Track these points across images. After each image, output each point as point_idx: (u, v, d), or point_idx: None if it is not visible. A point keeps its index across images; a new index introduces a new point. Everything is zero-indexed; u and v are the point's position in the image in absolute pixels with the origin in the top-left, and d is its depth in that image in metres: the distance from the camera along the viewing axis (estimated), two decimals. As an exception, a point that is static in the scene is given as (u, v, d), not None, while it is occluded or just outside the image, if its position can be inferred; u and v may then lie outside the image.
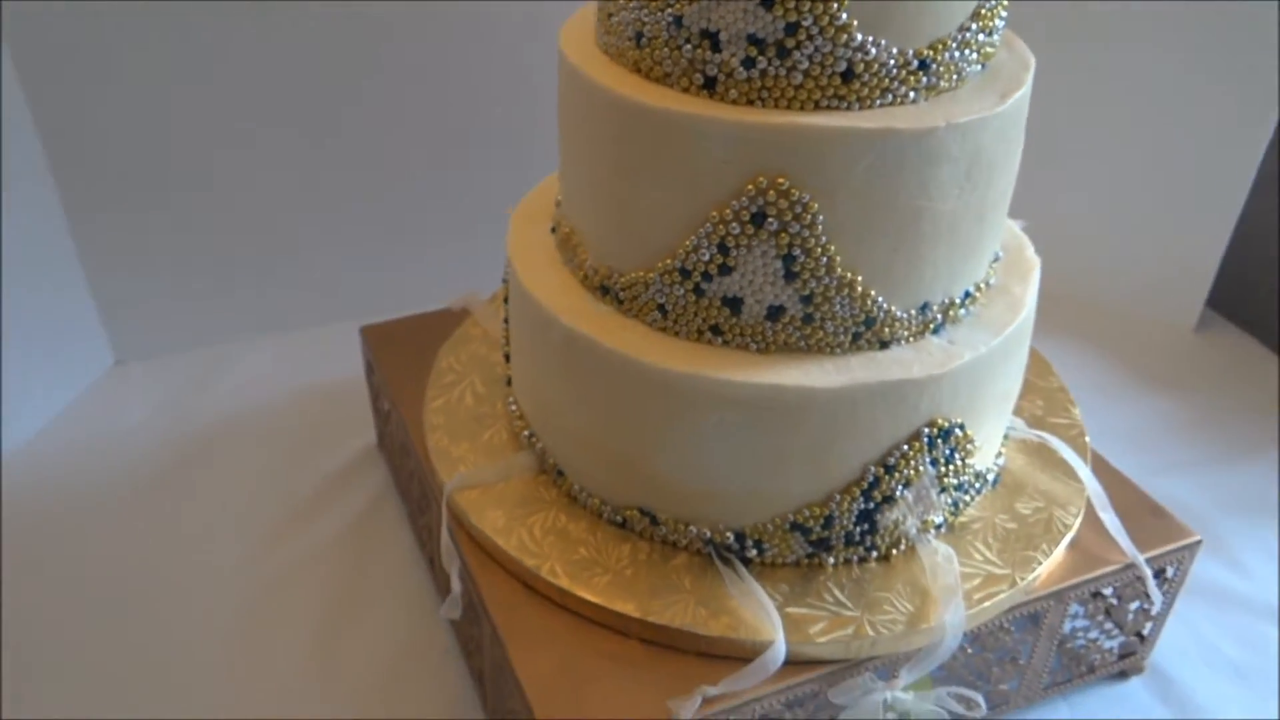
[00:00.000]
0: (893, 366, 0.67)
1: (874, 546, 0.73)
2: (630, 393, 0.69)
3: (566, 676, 0.67)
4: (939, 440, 0.69)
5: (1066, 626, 0.79)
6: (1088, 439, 0.86)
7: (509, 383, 0.86)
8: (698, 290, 0.67)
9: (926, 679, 0.72)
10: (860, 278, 0.65)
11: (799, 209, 0.62)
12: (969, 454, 0.72)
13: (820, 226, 0.63)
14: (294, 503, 1.01)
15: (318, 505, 1.00)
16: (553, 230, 0.79)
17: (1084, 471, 0.80)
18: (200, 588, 0.92)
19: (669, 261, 0.66)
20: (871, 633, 0.68)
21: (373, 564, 0.93)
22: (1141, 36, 1.19)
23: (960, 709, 0.72)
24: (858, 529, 0.71)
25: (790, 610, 0.70)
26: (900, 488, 0.70)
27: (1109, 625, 0.82)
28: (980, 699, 0.71)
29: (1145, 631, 0.83)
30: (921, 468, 0.70)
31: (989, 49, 0.68)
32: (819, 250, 0.64)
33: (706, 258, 0.65)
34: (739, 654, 0.68)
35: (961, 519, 0.77)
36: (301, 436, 1.10)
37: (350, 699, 0.83)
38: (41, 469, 1.05)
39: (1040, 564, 0.74)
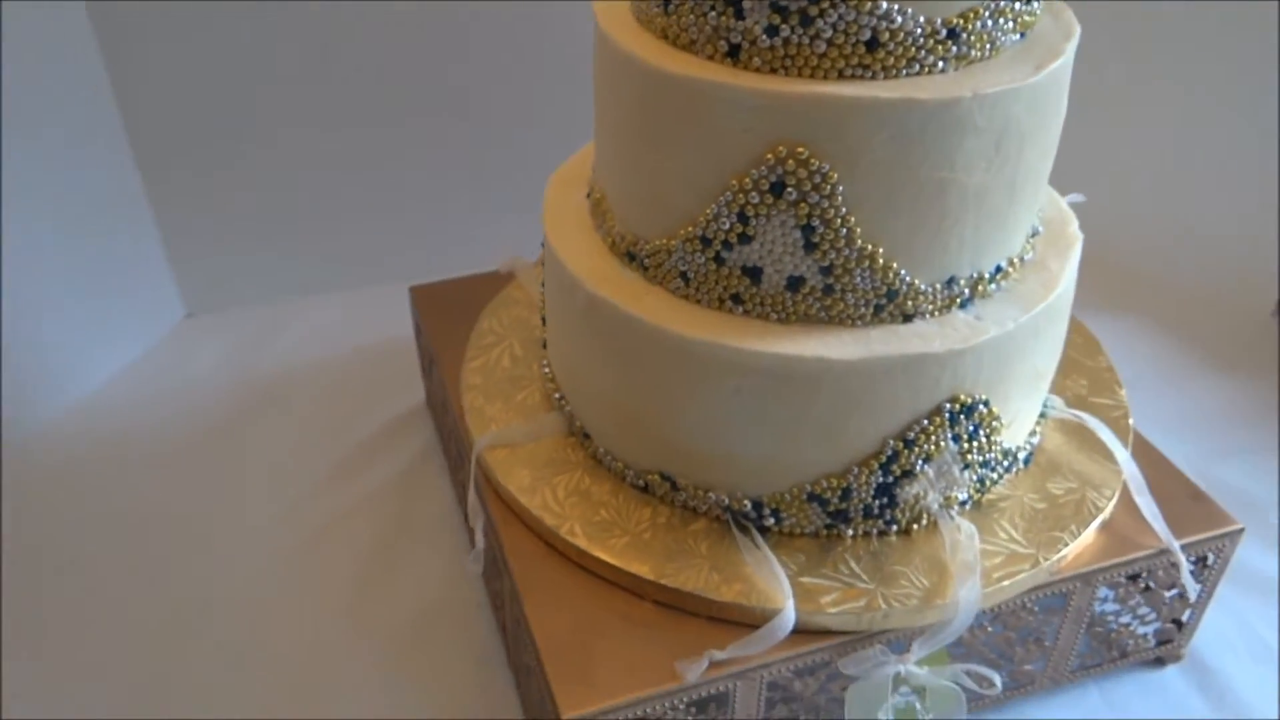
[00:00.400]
0: (913, 340, 0.66)
1: (894, 520, 0.72)
2: (651, 359, 0.70)
3: (578, 633, 0.69)
4: (961, 416, 0.68)
5: (1097, 609, 0.78)
6: (1131, 421, 0.84)
7: (545, 345, 0.87)
8: (718, 259, 0.67)
9: (943, 654, 0.72)
10: (881, 250, 0.64)
11: (818, 179, 0.62)
12: (994, 431, 0.71)
13: (840, 197, 0.62)
14: (342, 457, 1.04)
15: (364, 460, 1.04)
16: (587, 195, 0.80)
17: (1121, 453, 0.78)
18: (244, 536, 0.96)
19: (690, 229, 0.67)
20: (884, 606, 0.68)
21: (413, 518, 0.96)
22: (1228, 9, 1.14)
23: (975, 687, 0.72)
24: (876, 502, 0.71)
25: (804, 580, 0.70)
26: (920, 462, 0.69)
27: (1144, 610, 0.80)
28: (997, 677, 0.71)
29: (1183, 619, 0.81)
30: (943, 443, 0.69)
31: (1028, 17, 0.66)
32: (839, 221, 0.63)
33: (726, 226, 0.65)
34: (749, 620, 0.68)
35: (989, 497, 0.76)
36: (355, 392, 1.13)
37: (382, 648, 0.86)
38: (110, 416, 1.10)
39: (1066, 545, 0.72)
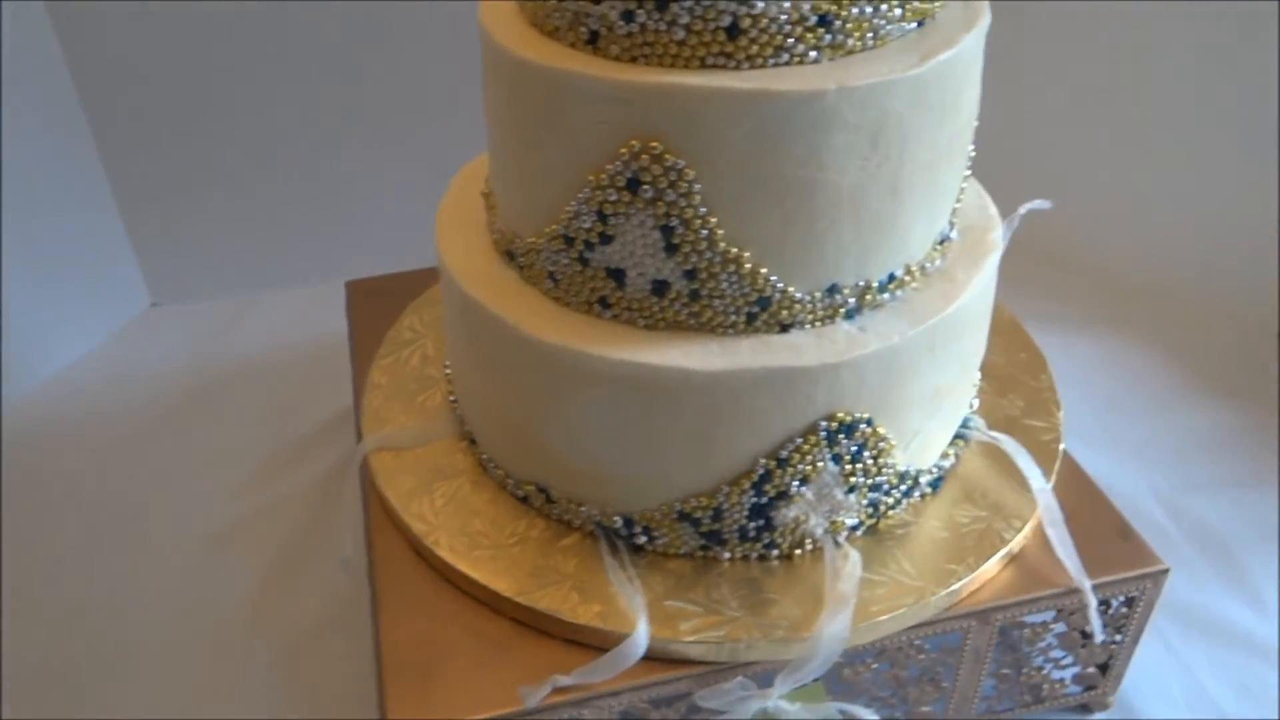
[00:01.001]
0: (784, 352, 0.62)
1: (773, 544, 0.68)
2: (516, 362, 0.66)
3: (427, 648, 0.66)
4: (840, 436, 0.64)
5: (1000, 651, 0.72)
6: (1063, 447, 0.78)
7: (450, 346, 0.84)
8: (583, 259, 0.63)
9: (819, 690, 0.67)
10: (748, 254, 0.60)
11: (674, 176, 0.58)
12: (883, 453, 0.66)
13: (698, 196, 0.58)
14: (274, 453, 1.03)
15: (296, 457, 1.02)
16: (482, 192, 0.77)
17: (1037, 481, 0.72)
18: (165, 527, 0.95)
19: (554, 227, 0.63)
20: (746, 636, 0.64)
21: (326, 520, 0.94)
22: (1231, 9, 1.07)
23: (851, 728, 0.67)
24: (752, 524, 0.66)
25: (669, 604, 0.66)
26: (796, 483, 0.65)
27: (1058, 654, 0.74)
28: (870, 715, 0.66)
29: (1111, 663, 0.75)
30: (820, 463, 0.64)
31: (923, 4, 0.61)
32: (698, 222, 0.59)
33: (587, 225, 0.61)
34: (607, 644, 0.64)
35: (889, 523, 0.71)
36: (302, 389, 1.11)
37: (276, 650, 0.84)
38: (62, 402, 1.11)
39: (960, 579, 0.67)
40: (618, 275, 0.62)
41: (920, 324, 0.64)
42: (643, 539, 0.68)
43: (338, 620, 0.85)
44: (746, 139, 0.57)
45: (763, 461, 0.64)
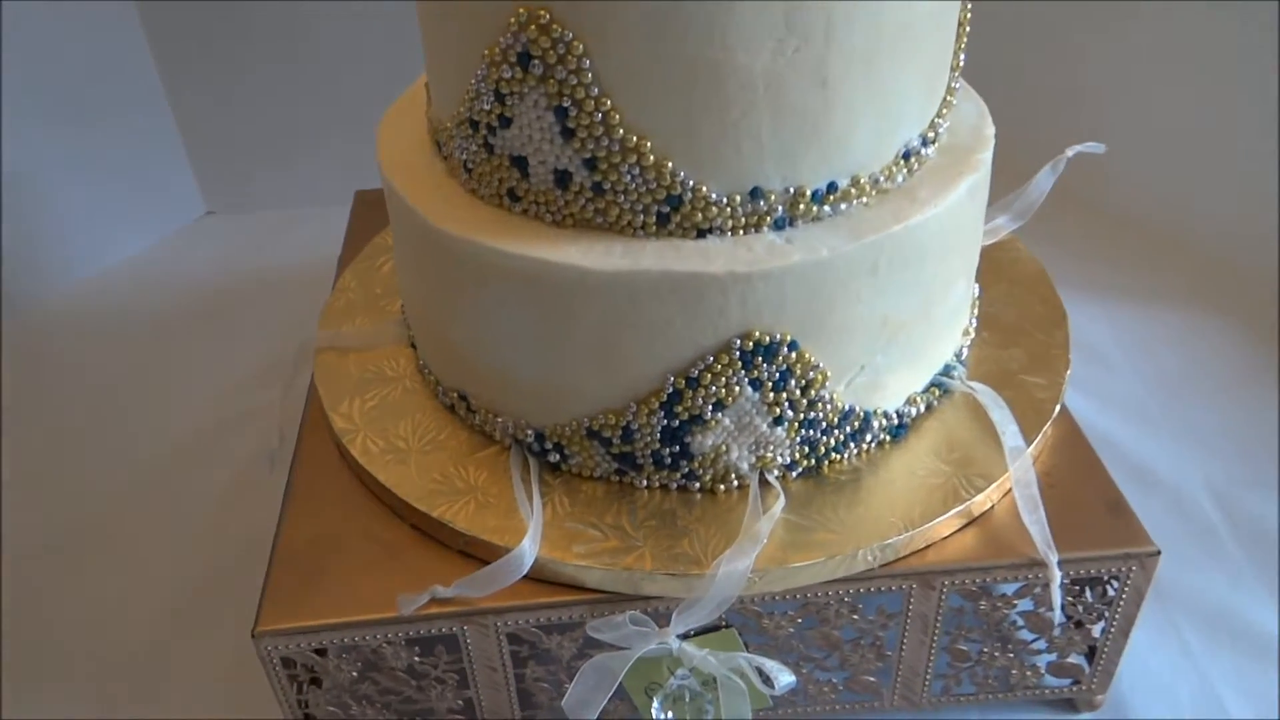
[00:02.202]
0: (693, 257, 0.56)
1: (693, 475, 0.62)
2: (428, 255, 0.63)
3: (321, 547, 0.63)
4: (758, 358, 0.57)
5: (953, 622, 0.64)
6: (1059, 407, 0.68)
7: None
8: (488, 146, 0.58)
9: (732, 637, 0.61)
10: (650, 144, 0.54)
11: (563, 49, 0.52)
12: (813, 384, 0.59)
13: (590, 74, 0.53)
14: (262, 366, 1.03)
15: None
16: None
17: (1011, 438, 0.63)
18: (159, 422, 0.97)
19: (461, 110, 0.59)
20: (640, 566, 0.58)
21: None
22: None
23: (759, 684, 0.60)
24: (666, 450, 0.61)
25: (569, 525, 0.61)
26: (711, 407, 0.58)
27: (1027, 636, 0.65)
28: (785, 675, 0.59)
29: (1098, 655, 0.66)
30: (738, 387, 0.58)
31: None
32: (592, 104, 0.53)
33: (487, 106, 0.57)
34: (497, 559, 0.60)
35: (836, 469, 0.64)
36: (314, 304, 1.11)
37: (224, 561, 0.83)
38: (102, 298, 1.15)
39: (898, 535, 0.59)
40: (520, 164, 0.57)
41: (858, 240, 0.56)
42: (555, 457, 0.64)
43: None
44: (639, 11, 0.51)
45: (672, 380, 0.58)
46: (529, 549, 0.59)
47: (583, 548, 0.60)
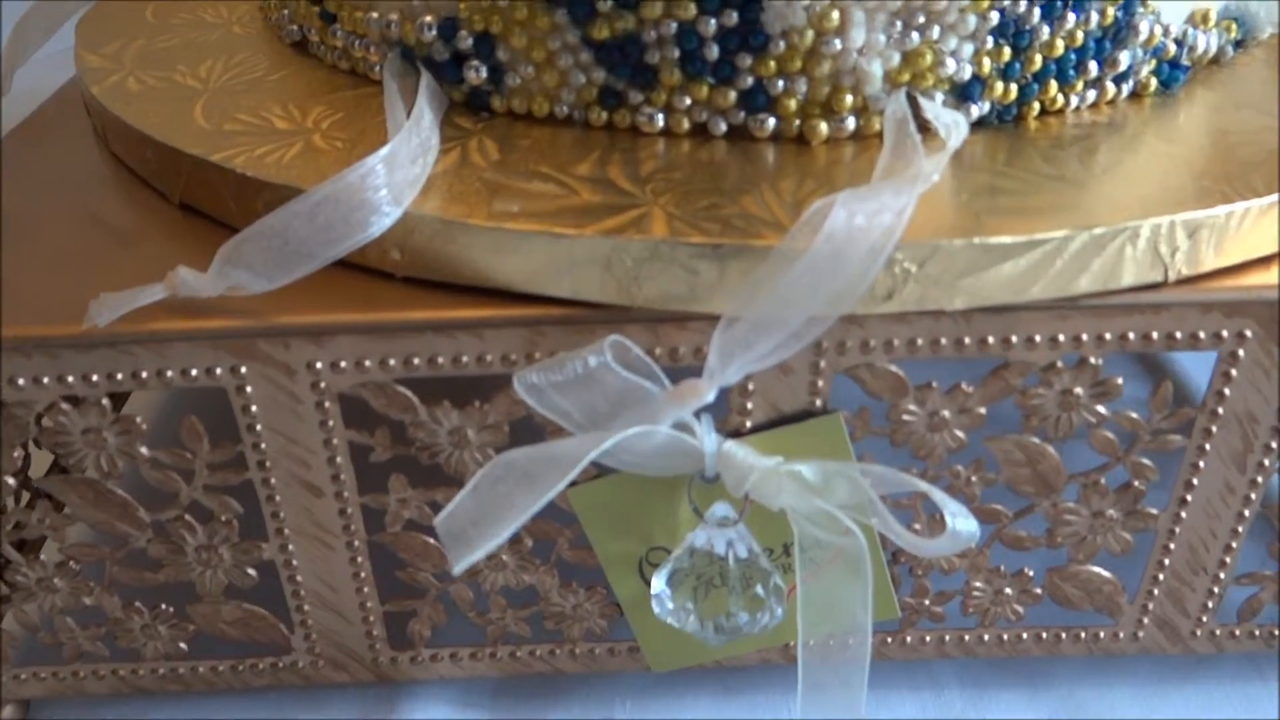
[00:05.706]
0: None
1: (764, 93, 0.29)
2: None
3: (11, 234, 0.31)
4: None
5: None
6: None
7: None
8: None
9: (838, 430, 0.27)
10: None
11: None
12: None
13: None
14: None
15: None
16: None
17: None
18: None
19: None
20: (644, 232, 0.25)
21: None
22: None
23: (900, 533, 0.26)
24: (713, 33, 0.28)
25: (487, 176, 0.28)
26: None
27: None
28: (964, 519, 0.26)
29: None
30: None
31: None
32: None
33: None
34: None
35: (1057, 121, 0.31)
36: None
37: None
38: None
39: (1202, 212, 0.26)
40: None
41: None
42: (478, 72, 0.31)
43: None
44: None
45: None
46: (376, 187, 0.26)
47: (515, 205, 0.26)
